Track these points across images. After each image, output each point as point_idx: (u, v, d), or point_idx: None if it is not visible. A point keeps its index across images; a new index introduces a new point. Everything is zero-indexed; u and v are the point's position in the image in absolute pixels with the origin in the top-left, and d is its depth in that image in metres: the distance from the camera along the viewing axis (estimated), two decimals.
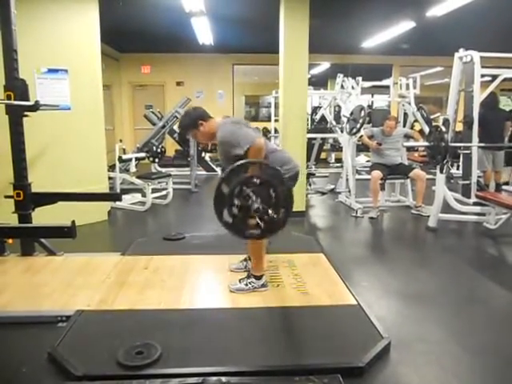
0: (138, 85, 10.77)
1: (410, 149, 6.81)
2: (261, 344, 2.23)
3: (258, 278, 2.85)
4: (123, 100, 10.66)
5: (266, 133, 9.33)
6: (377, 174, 5.34)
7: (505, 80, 4.81)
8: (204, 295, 2.87)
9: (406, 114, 6.92)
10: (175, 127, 7.83)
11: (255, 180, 2.21)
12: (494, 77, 4.76)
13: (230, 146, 2.62)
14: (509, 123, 6.74)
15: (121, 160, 5.99)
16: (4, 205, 3.47)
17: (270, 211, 2.17)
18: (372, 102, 10.57)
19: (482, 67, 4.46)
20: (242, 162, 2.30)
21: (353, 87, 6.73)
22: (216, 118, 2.89)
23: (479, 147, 5.12)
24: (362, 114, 5.46)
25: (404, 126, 6.77)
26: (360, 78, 7.00)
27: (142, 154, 6.74)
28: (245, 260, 3.21)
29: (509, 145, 6.43)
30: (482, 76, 4.57)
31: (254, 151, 2.55)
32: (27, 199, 3.47)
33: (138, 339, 2.14)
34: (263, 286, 2.86)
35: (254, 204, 2.14)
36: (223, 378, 1.93)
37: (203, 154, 8.62)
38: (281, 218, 2.24)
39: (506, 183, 6.67)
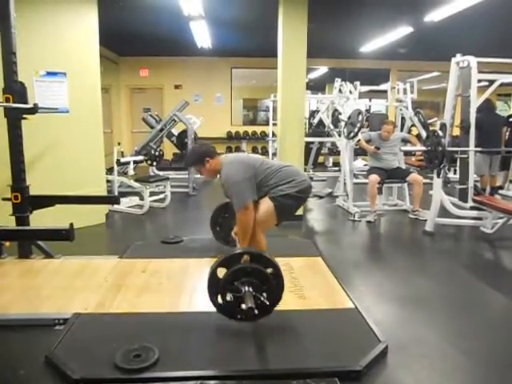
0: (137, 88, 10.78)
1: (407, 153, 6.83)
2: (258, 347, 2.23)
3: None
4: (122, 103, 10.67)
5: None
6: (374, 178, 5.35)
7: (501, 85, 4.84)
8: (202, 298, 2.85)
9: (403, 119, 6.94)
10: (173, 130, 7.84)
11: (248, 270, 2.26)
12: (491, 82, 4.79)
13: (228, 191, 2.92)
14: (504, 129, 6.78)
15: (119, 163, 5.98)
16: (2, 207, 3.47)
17: (262, 298, 2.23)
18: (370, 107, 10.58)
19: (479, 72, 4.49)
20: (233, 253, 2.39)
21: (350, 91, 6.74)
22: (221, 157, 3.10)
23: (478, 152, 5.14)
24: (360, 118, 5.48)
25: (401, 130, 6.78)
26: (358, 83, 7.02)
27: (140, 157, 6.74)
28: None
29: (507, 149, 6.45)
30: (479, 81, 4.59)
31: (241, 215, 2.83)
32: (25, 202, 3.47)
33: (136, 342, 2.14)
34: None
35: (248, 300, 2.17)
36: (220, 382, 1.93)
37: None
38: (272, 302, 2.29)
39: (500, 187, 6.69)
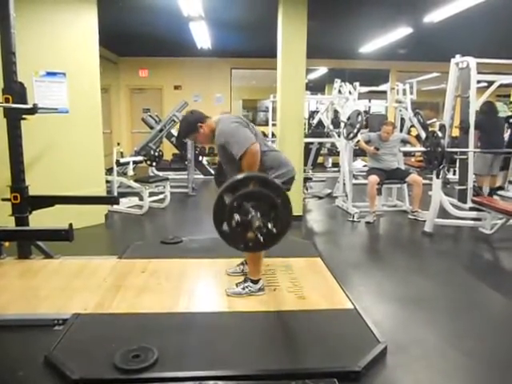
0: (136, 88, 10.78)
1: (406, 154, 6.84)
2: (257, 348, 2.23)
3: (255, 282, 2.85)
4: (121, 103, 10.67)
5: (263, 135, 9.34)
6: (374, 178, 5.36)
7: (501, 86, 4.85)
8: (201, 299, 2.87)
9: (402, 120, 6.95)
10: (173, 131, 7.84)
11: (256, 194, 2.19)
12: (490, 83, 4.79)
13: (227, 143, 2.63)
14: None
15: (118, 163, 5.98)
16: (1, 208, 3.47)
17: (269, 225, 2.15)
18: (369, 107, 10.59)
19: (478, 73, 4.49)
20: (242, 176, 2.27)
21: (350, 92, 6.75)
22: (214, 116, 2.89)
23: (481, 152, 5.14)
24: (359, 119, 5.49)
25: (401, 131, 6.78)
26: (357, 83, 7.02)
27: (140, 158, 6.74)
28: (242, 264, 3.21)
29: (507, 150, 6.45)
30: (478, 82, 4.60)
31: (248, 159, 2.53)
32: (24, 202, 3.47)
33: (135, 343, 2.14)
34: (260, 290, 2.86)
35: (255, 220, 2.10)
36: (220, 382, 1.94)
37: (200, 158, 8.63)
38: (280, 231, 2.21)
39: (501, 188, 6.68)
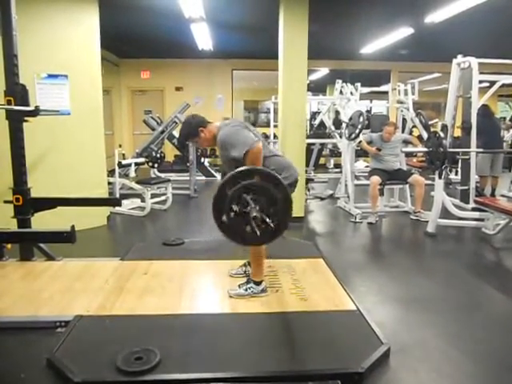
0: (138, 90, 10.79)
1: (408, 154, 6.83)
2: (260, 350, 2.23)
3: (258, 283, 2.85)
4: (123, 105, 10.68)
5: (265, 137, 9.35)
6: (376, 179, 5.35)
7: (502, 86, 4.85)
8: (203, 300, 2.87)
9: (404, 120, 6.94)
10: (174, 132, 7.84)
11: (257, 187, 2.19)
12: (492, 83, 4.79)
13: (229, 147, 2.62)
14: (509, 123, 6.78)
15: (120, 165, 5.99)
16: (3, 209, 3.47)
17: (267, 220, 2.15)
18: (371, 108, 10.60)
19: (480, 73, 4.49)
20: (245, 168, 2.27)
21: (351, 93, 6.75)
22: (215, 122, 2.91)
23: (479, 153, 5.14)
24: (361, 119, 5.48)
25: (403, 131, 6.78)
26: (359, 84, 7.02)
27: (142, 159, 6.74)
28: (244, 265, 3.20)
29: (508, 150, 6.45)
30: (480, 82, 4.60)
31: (251, 156, 2.53)
32: (26, 204, 3.47)
33: (137, 344, 2.14)
34: (263, 291, 2.85)
35: (253, 212, 2.11)
36: None
37: (202, 160, 8.63)
38: (278, 227, 2.21)
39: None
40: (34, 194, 3.54)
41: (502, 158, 6.41)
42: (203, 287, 3.09)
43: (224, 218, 2.20)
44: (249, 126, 2.85)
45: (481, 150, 5.08)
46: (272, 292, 2.91)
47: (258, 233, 2.12)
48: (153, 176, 7.25)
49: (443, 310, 2.94)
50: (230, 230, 2.23)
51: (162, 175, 7.39)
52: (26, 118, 3.41)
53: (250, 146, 2.53)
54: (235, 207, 2.15)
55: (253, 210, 2.12)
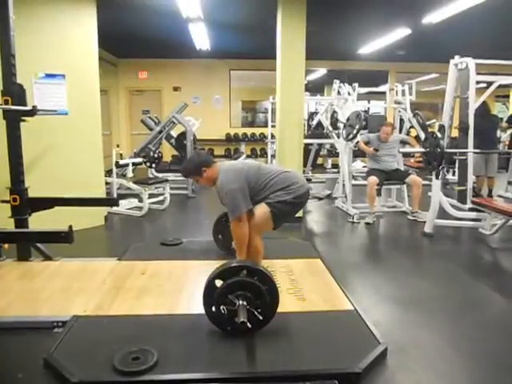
0: (136, 90, 10.79)
1: (406, 155, 6.85)
2: (257, 350, 2.23)
3: None
4: (120, 105, 10.67)
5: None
6: (373, 179, 5.36)
7: (500, 86, 4.86)
8: (201, 301, 2.86)
9: (402, 120, 6.96)
10: (172, 132, 7.83)
11: (244, 283, 2.27)
12: (489, 83, 4.80)
13: (223, 199, 2.93)
14: (505, 125, 6.80)
15: (118, 165, 5.98)
16: (0, 209, 3.46)
17: (255, 313, 2.23)
18: (368, 108, 10.60)
19: (477, 74, 4.50)
20: (236, 264, 2.38)
21: (349, 93, 6.76)
22: (218, 163, 3.09)
23: (475, 153, 5.15)
24: (359, 119, 5.49)
25: (400, 132, 6.80)
26: (356, 84, 7.04)
27: (139, 159, 6.73)
28: None
29: (505, 151, 6.47)
30: (477, 82, 4.60)
31: (235, 228, 2.89)
32: (24, 204, 3.46)
33: (135, 345, 2.14)
34: None
35: (240, 313, 2.17)
36: None
37: None
38: (265, 318, 2.29)
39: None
40: (31, 193, 3.53)
41: (496, 159, 6.42)
42: (201, 287, 3.06)
43: (214, 309, 2.31)
44: (245, 170, 2.99)
45: (478, 150, 5.09)
46: None
47: (248, 325, 2.20)
48: (150, 176, 7.24)
49: (440, 310, 2.95)
50: (219, 321, 2.32)
51: (160, 175, 7.36)
52: (23, 118, 3.40)
53: (236, 216, 2.85)
54: (223, 308, 2.25)
55: (240, 311, 2.19)
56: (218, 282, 2.31)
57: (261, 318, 2.25)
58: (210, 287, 2.31)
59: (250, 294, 2.25)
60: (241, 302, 2.22)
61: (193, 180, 3.21)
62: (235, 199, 2.85)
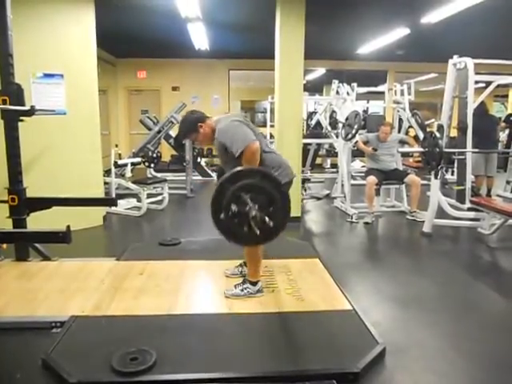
0: (134, 90, 10.77)
1: (404, 154, 6.85)
2: (256, 350, 2.23)
3: (254, 283, 2.85)
4: (119, 105, 10.66)
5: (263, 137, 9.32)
6: (372, 179, 5.36)
7: (498, 86, 4.86)
8: (199, 301, 2.87)
9: (400, 120, 6.96)
10: (171, 132, 7.83)
11: (256, 187, 2.19)
12: (488, 83, 4.80)
13: (227, 141, 2.62)
14: (503, 125, 6.80)
15: (116, 165, 5.97)
16: None
17: (266, 219, 2.16)
18: (367, 108, 10.61)
19: (476, 74, 4.50)
20: (246, 168, 2.29)
21: (348, 93, 6.76)
22: (214, 116, 2.89)
23: (474, 153, 5.15)
24: (357, 119, 5.49)
25: (399, 131, 6.80)
26: (355, 84, 7.04)
27: (138, 159, 6.73)
28: (240, 265, 3.21)
29: (503, 150, 6.47)
30: (476, 82, 4.61)
31: (248, 154, 2.53)
32: (22, 204, 3.46)
33: (133, 345, 2.14)
34: (259, 291, 2.85)
35: (251, 210, 2.12)
36: None
37: (199, 159, 8.62)
38: (276, 227, 2.22)
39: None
40: (29, 193, 3.52)
41: (496, 158, 6.43)
42: (199, 287, 3.09)
43: (222, 215, 2.19)
44: (249, 122, 2.83)
45: (476, 150, 5.09)
46: (268, 292, 2.91)
47: (258, 232, 2.12)
48: (149, 176, 7.24)
49: (439, 310, 2.95)
50: (228, 228, 2.23)
51: (159, 175, 7.37)
52: (21, 118, 3.39)
53: (246, 144, 2.53)
54: (234, 207, 2.15)
55: (252, 209, 2.12)
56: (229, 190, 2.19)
57: (272, 225, 2.16)
58: (219, 191, 2.20)
59: (262, 198, 2.17)
60: (252, 204, 2.14)
61: (192, 140, 2.96)
62: (239, 131, 2.61)
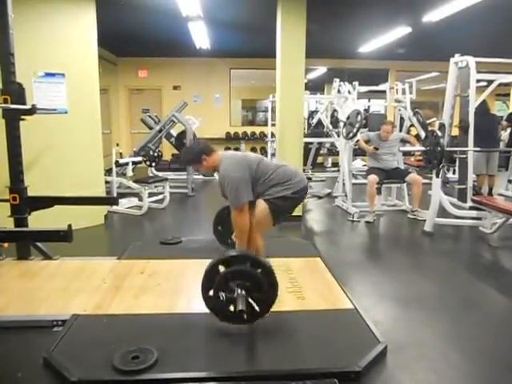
0: (135, 89, 10.78)
1: (406, 153, 6.84)
2: (257, 348, 2.23)
3: None
4: (120, 104, 10.67)
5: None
6: (373, 178, 5.35)
7: (500, 85, 4.85)
8: (200, 299, 2.85)
9: (402, 119, 6.94)
10: (172, 131, 7.83)
11: (245, 274, 2.26)
12: (490, 82, 4.79)
13: (225, 187, 2.87)
14: (504, 123, 6.78)
15: (117, 164, 5.98)
16: (0, 208, 3.46)
17: (254, 306, 2.23)
18: (368, 107, 10.59)
19: (478, 72, 4.49)
20: (240, 253, 2.42)
21: (349, 92, 6.74)
22: (218, 152, 3.06)
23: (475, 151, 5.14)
24: (359, 118, 5.48)
25: (400, 130, 6.79)
26: (356, 83, 7.02)
27: (139, 158, 6.73)
28: None
29: (504, 149, 6.46)
30: (478, 81, 4.60)
31: (236, 217, 2.87)
32: (23, 203, 3.46)
33: (134, 344, 2.13)
34: None
35: (239, 302, 2.17)
36: (219, 383, 1.93)
37: None
38: (262, 311, 2.30)
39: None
40: (30, 192, 3.53)
41: (497, 157, 6.42)
42: (200, 286, 3.08)
43: (211, 294, 2.30)
44: (247, 161, 2.97)
45: (478, 148, 5.08)
46: None
47: (245, 316, 2.21)
48: (150, 175, 7.24)
49: (440, 309, 2.94)
50: (216, 308, 2.32)
51: (160, 174, 7.37)
52: (22, 117, 3.40)
53: (238, 205, 2.83)
54: (222, 294, 2.25)
55: (239, 300, 2.18)
56: (221, 269, 2.30)
57: (258, 310, 2.25)
58: (211, 271, 2.30)
59: (250, 285, 2.24)
60: (239, 291, 2.21)
61: (193, 167, 3.20)
62: (238, 188, 2.82)
